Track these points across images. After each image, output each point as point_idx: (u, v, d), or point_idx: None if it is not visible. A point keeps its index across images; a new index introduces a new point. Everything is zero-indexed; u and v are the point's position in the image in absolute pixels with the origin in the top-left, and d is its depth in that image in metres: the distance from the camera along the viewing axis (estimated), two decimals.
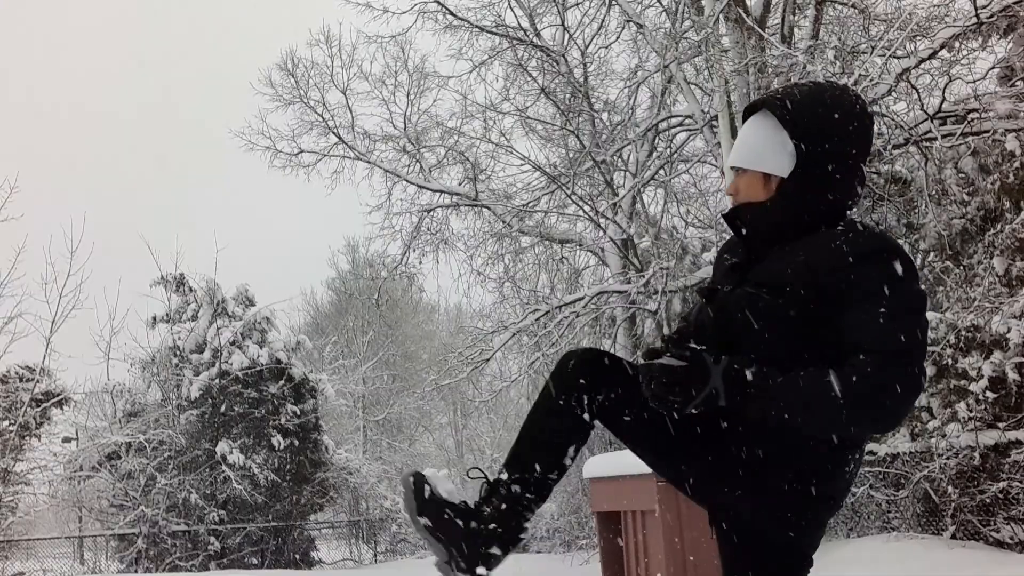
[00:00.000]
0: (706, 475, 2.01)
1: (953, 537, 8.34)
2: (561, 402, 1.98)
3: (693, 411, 1.87)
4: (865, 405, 1.77)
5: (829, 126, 1.94)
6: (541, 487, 1.99)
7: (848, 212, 2.00)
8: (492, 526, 1.95)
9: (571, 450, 2.02)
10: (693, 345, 1.92)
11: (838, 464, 1.96)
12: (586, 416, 1.98)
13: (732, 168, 2.07)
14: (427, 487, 1.98)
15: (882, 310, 1.79)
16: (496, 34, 14.29)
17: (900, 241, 13.15)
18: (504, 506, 1.97)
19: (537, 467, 1.98)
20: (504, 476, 2.00)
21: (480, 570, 1.94)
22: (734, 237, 2.15)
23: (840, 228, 1.92)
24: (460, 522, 1.95)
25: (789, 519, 1.96)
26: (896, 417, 1.81)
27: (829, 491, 1.97)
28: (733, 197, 2.08)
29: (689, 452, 2.01)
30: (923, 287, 1.89)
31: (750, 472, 1.94)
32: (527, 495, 1.98)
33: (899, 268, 1.83)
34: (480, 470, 2.10)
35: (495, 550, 1.96)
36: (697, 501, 2.14)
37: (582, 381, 1.97)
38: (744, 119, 2.11)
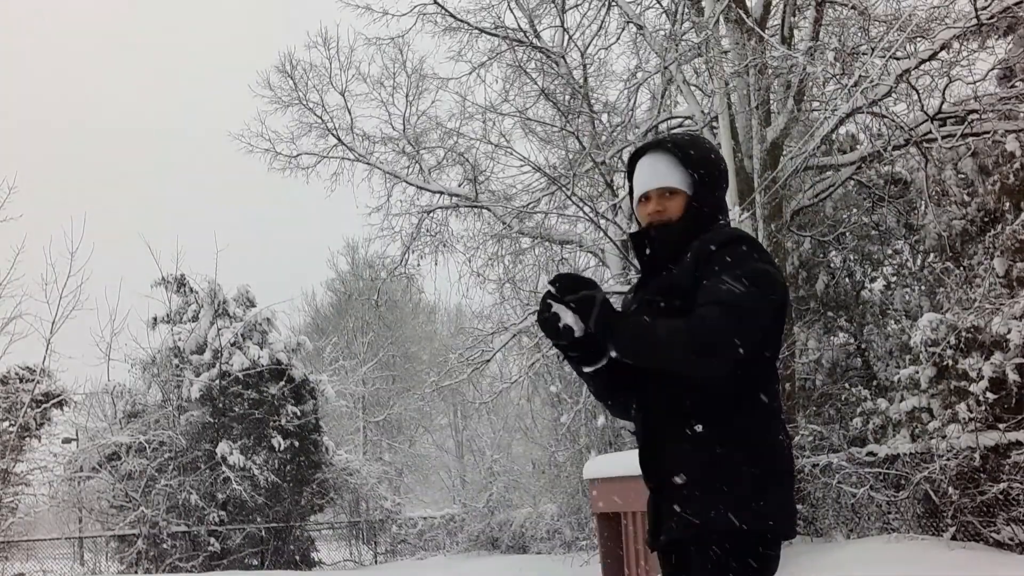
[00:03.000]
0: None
1: (953, 538, 8.34)
2: None
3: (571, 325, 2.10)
4: (687, 347, 2.01)
5: (711, 162, 2.33)
6: None
7: None
8: None
9: None
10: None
11: (766, 436, 2.14)
12: None
13: (655, 191, 2.31)
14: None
15: (724, 278, 2.07)
16: (495, 35, 14.27)
17: (900, 242, 13.16)
18: None
19: None
20: None
21: None
22: (628, 293, 2.47)
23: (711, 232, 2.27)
24: None
25: (743, 502, 2.06)
26: (707, 351, 2.00)
27: (774, 466, 2.12)
28: (656, 216, 2.31)
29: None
30: (769, 269, 2.14)
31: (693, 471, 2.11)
32: None
33: (743, 249, 2.14)
34: None
35: None
36: None
37: None
38: (632, 163, 2.40)
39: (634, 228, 2.39)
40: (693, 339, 2.00)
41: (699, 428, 2.11)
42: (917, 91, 9.86)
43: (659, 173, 2.31)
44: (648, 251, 2.31)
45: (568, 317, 2.10)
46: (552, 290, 2.14)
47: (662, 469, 2.18)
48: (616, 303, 2.27)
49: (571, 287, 2.13)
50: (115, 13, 63.95)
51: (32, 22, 60.97)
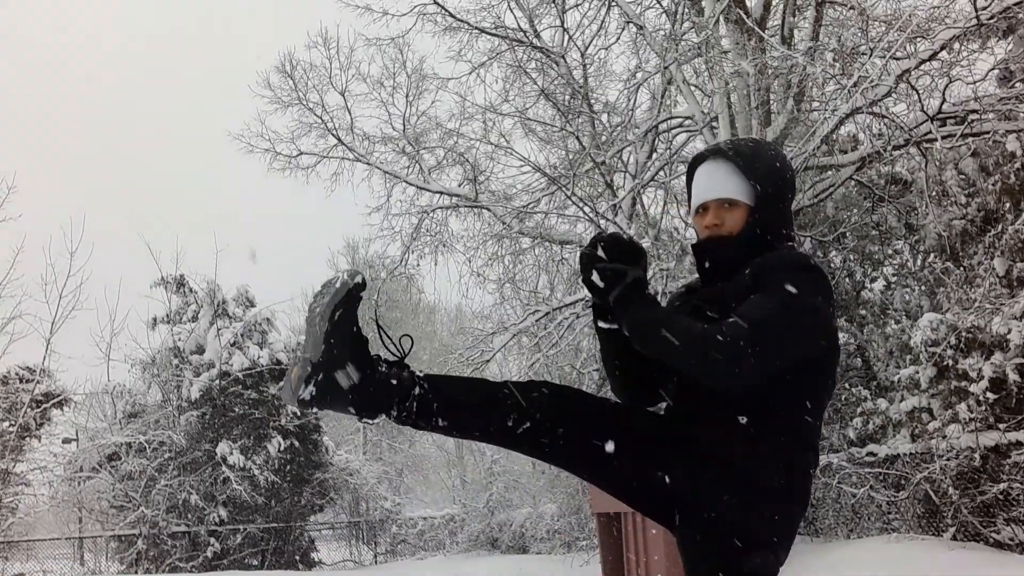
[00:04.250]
0: (687, 480, 2.04)
1: (954, 538, 8.35)
2: (511, 420, 2.04)
3: (598, 284, 2.06)
4: (696, 348, 1.92)
5: (775, 171, 2.19)
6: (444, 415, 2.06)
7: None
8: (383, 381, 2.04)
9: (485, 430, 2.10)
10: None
11: (804, 458, 2.07)
12: (517, 431, 2.05)
13: (713, 202, 2.19)
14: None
15: (770, 301, 1.96)
16: (495, 35, 14.27)
17: (900, 242, 13.17)
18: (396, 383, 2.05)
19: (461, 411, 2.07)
20: (423, 385, 2.06)
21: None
22: (681, 288, 2.34)
23: (778, 250, 2.13)
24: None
25: (768, 519, 2.03)
26: (709, 361, 1.90)
27: (794, 483, 2.06)
28: (714, 230, 2.18)
29: (663, 459, 2.07)
30: (822, 308, 2.01)
31: (733, 472, 2.00)
32: (425, 406, 2.05)
33: (806, 281, 2.00)
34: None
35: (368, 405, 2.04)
36: (660, 510, 2.14)
37: (541, 418, 2.04)
38: (691, 169, 2.28)
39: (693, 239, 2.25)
40: (704, 344, 1.91)
41: (743, 420, 2.01)
42: (917, 91, 9.85)
43: (717, 183, 2.18)
44: (707, 264, 2.20)
45: (596, 279, 2.08)
46: (597, 249, 2.10)
47: (694, 445, 2.07)
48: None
49: (615, 252, 2.08)
50: (115, 13, 63.96)
51: (32, 22, 60.98)
